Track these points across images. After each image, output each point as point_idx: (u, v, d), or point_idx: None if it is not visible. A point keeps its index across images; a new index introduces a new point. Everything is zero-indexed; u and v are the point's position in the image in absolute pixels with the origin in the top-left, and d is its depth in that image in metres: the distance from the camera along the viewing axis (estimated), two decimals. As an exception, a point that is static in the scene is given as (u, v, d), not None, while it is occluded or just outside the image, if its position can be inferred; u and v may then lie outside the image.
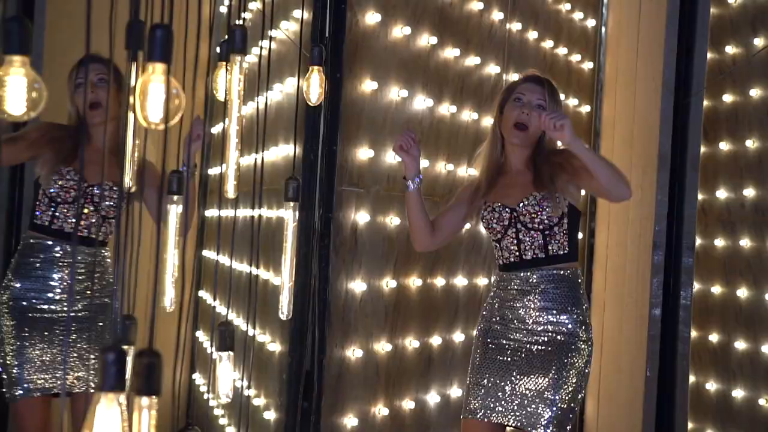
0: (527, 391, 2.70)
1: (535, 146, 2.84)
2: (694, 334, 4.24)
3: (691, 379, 4.23)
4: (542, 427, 2.67)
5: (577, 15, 4.74)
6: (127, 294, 1.77)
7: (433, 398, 3.84)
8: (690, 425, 4.21)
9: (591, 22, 4.80)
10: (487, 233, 2.89)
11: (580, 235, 4.75)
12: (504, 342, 2.76)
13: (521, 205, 2.76)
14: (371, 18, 3.54)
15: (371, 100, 3.56)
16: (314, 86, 2.63)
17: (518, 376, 2.71)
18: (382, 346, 3.59)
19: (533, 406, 2.68)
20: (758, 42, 4.09)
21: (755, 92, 4.08)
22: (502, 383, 2.72)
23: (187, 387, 4.73)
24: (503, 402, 2.70)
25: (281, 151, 3.75)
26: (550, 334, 2.73)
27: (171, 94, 1.52)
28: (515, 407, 2.70)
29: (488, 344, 2.79)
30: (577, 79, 4.70)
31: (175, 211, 2.48)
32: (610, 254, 4.50)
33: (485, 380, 2.73)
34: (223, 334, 2.06)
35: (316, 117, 3.42)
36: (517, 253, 2.76)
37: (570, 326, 2.75)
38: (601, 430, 4.43)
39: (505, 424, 2.74)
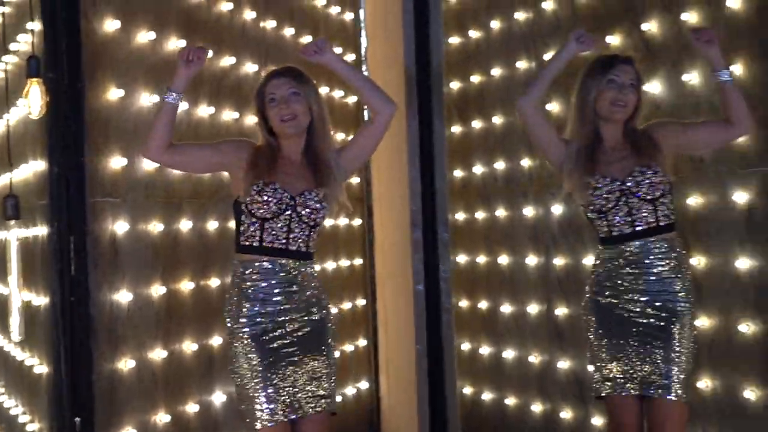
0: (308, 379, 2.78)
1: (306, 134, 2.89)
2: (465, 303, 4.48)
3: (467, 346, 4.47)
4: (327, 404, 2.80)
5: (335, 9, 4.87)
6: None
7: (218, 398, 3.86)
8: (469, 389, 4.45)
9: (349, 15, 4.95)
10: (251, 208, 2.76)
11: (359, 221, 4.91)
12: (282, 341, 2.77)
13: (301, 196, 2.81)
14: (110, 25, 3.49)
15: (119, 107, 3.52)
16: (34, 99, 2.59)
17: (300, 365, 2.78)
18: (157, 354, 3.57)
19: (317, 391, 2.79)
20: (495, 25, 4.37)
21: (496, 71, 4.36)
22: (291, 380, 2.75)
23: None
24: (296, 394, 2.75)
25: (32, 168, 3.64)
26: (314, 317, 2.83)
27: None
28: (305, 396, 2.77)
29: (264, 343, 2.75)
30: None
31: None
32: (386, 234, 4.67)
33: (275, 382, 2.72)
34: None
35: (63, 129, 3.34)
36: (284, 241, 2.80)
37: (326, 309, 2.87)
38: (392, 406, 4.60)
39: (302, 415, 2.79)
